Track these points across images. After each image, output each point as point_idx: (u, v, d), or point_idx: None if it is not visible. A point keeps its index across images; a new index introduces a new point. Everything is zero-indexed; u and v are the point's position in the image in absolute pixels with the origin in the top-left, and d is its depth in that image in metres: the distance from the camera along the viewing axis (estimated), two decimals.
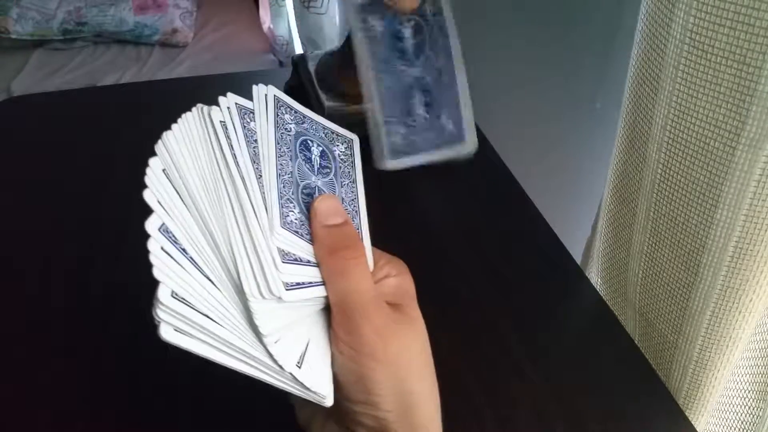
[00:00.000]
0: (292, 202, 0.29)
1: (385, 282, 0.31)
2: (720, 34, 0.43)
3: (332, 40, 1.35)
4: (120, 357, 0.46)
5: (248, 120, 0.30)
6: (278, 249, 0.27)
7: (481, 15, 1.01)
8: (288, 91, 0.35)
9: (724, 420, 0.63)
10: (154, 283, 0.26)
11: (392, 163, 0.46)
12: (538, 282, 0.55)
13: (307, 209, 0.30)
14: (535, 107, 1.08)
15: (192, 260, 0.27)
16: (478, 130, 0.73)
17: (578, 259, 0.68)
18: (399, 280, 0.31)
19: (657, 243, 0.56)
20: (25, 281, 0.53)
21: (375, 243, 0.33)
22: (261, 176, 0.29)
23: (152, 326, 0.26)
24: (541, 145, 1.11)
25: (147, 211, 0.27)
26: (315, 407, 0.32)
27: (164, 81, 0.96)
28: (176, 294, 0.26)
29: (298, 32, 1.46)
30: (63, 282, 0.52)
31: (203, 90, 0.79)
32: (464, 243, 0.58)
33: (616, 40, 0.95)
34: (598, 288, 0.68)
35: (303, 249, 0.29)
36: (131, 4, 1.83)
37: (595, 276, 0.72)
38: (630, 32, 0.55)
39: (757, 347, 0.59)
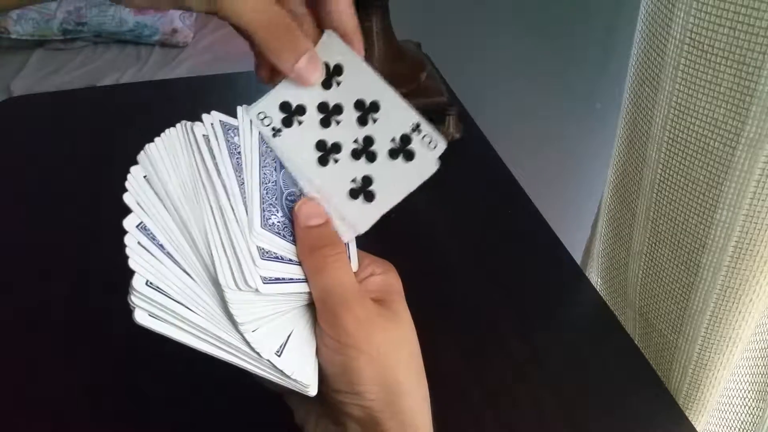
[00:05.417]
0: (275, 207, 0.30)
1: (370, 280, 0.31)
2: (720, 34, 0.43)
3: None
4: (119, 357, 0.46)
5: (232, 135, 0.31)
6: (258, 247, 0.28)
7: (481, 15, 1.01)
8: None
9: (724, 420, 0.63)
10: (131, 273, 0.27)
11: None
12: (538, 282, 0.55)
13: (291, 214, 0.31)
14: (535, 107, 1.08)
15: (169, 254, 0.28)
16: (478, 129, 0.73)
17: (578, 259, 0.68)
18: (384, 278, 0.32)
19: (657, 243, 0.56)
20: (25, 281, 0.53)
21: (374, 245, 0.33)
22: (243, 184, 0.29)
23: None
24: (541, 145, 1.11)
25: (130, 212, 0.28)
26: (310, 407, 0.32)
27: (164, 81, 0.96)
28: (151, 283, 0.27)
29: None
30: (63, 281, 0.52)
31: (203, 90, 0.79)
32: (464, 243, 0.58)
33: (616, 40, 0.95)
34: (598, 288, 0.68)
35: (285, 249, 0.30)
36: None
37: (595, 276, 0.72)
38: (630, 32, 0.55)
39: (757, 347, 0.59)
